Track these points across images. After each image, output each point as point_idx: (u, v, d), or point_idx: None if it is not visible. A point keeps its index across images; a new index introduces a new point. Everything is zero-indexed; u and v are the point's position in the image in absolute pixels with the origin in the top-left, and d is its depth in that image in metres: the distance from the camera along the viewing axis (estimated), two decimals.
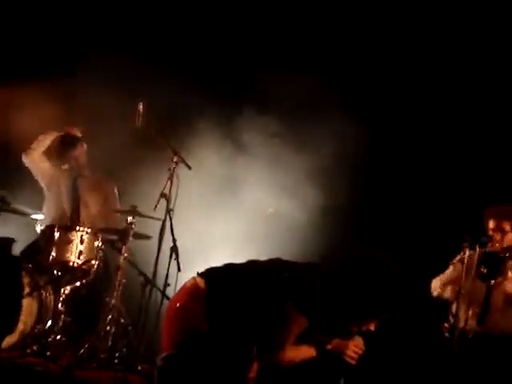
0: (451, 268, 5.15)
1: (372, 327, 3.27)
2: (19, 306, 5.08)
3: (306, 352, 3.27)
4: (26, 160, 6.22)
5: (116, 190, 6.54)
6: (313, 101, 6.43)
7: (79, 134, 6.34)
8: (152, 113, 5.78)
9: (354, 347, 3.34)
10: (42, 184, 6.36)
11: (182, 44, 6.97)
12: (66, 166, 6.41)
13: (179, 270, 5.64)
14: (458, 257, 5.02)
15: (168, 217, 5.65)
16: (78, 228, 5.81)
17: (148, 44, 6.88)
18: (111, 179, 6.64)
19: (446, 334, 4.95)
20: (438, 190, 6.45)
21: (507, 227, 5.00)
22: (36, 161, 6.24)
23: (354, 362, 3.33)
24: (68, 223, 6.10)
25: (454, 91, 6.51)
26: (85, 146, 6.41)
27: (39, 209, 6.26)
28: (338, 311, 3.17)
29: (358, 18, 6.66)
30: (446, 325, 5.01)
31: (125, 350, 5.63)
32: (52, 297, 5.56)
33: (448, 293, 5.14)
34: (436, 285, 5.22)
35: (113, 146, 6.49)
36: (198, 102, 6.74)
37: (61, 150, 6.34)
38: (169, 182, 5.66)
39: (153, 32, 6.94)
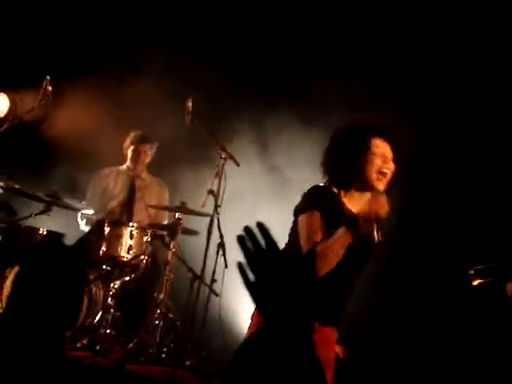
0: None
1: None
2: (80, 300, 5.15)
3: (337, 235, 3.38)
4: None
5: (167, 194, 6.65)
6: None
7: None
8: (200, 108, 5.81)
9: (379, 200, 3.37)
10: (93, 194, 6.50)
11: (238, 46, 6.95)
12: (124, 167, 6.55)
13: (226, 266, 5.67)
14: None
15: (215, 213, 5.69)
16: (127, 223, 5.88)
17: (202, 40, 6.90)
18: (164, 180, 6.73)
19: None
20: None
21: None
22: None
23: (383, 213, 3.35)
24: (119, 219, 6.18)
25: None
26: (155, 146, 6.53)
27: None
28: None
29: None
30: None
31: (172, 345, 5.67)
32: (101, 291, 5.62)
33: None
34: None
35: (162, 142, 6.57)
36: (246, 97, 6.74)
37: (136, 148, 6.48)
38: (216, 179, 5.70)
39: (207, 28, 6.95)
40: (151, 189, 6.59)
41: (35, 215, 5.69)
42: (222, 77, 6.54)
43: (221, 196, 5.75)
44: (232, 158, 5.76)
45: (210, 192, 5.71)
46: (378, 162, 3.53)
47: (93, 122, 6.33)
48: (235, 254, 3.86)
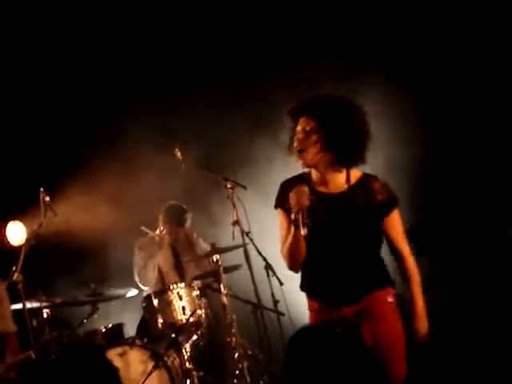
0: None
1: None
2: None
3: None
4: None
5: (195, 235, 6.70)
6: None
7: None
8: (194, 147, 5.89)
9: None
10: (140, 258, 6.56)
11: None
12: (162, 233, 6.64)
13: (281, 283, 5.65)
14: None
15: (248, 239, 5.68)
16: (171, 287, 5.90)
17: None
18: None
19: None
20: None
21: None
22: None
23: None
24: (167, 285, 6.20)
25: None
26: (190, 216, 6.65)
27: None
28: None
29: None
30: None
31: (266, 377, 5.68)
32: (177, 360, 5.65)
33: None
34: None
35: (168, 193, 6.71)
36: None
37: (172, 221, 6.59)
38: (233, 209, 5.70)
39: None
40: (189, 243, 6.66)
41: (87, 319, 5.75)
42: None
43: (246, 222, 5.75)
44: (237, 184, 5.77)
45: (235, 223, 5.71)
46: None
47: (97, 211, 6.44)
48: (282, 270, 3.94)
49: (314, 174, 3.75)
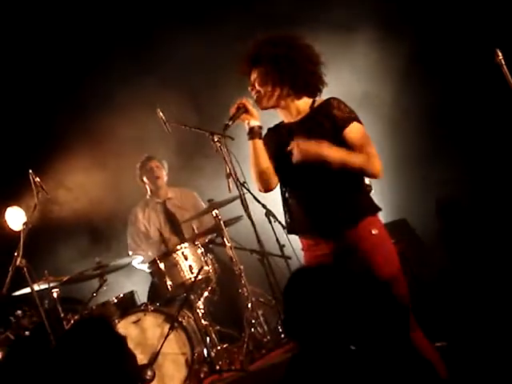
0: None
1: None
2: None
3: None
4: None
5: (198, 198, 6.73)
6: None
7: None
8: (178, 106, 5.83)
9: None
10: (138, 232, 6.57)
11: None
12: (147, 197, 6.64)
13: (284, 227, 5.61)
14: None
15: (245, 190, 5.64)
16: (175, 248, 5.90)
17: None
18: (187, 186, 6.81)
19: None
20: None
21: None
22: None
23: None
24: (168, 248, 6.20)
25: None
26: (164, 162, 6.68)
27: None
28: None
29: None
30: None
31: (280, 322, 5.70)
32: (191, 318, 5.68)
33: None
34: None
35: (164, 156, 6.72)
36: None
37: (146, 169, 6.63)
38: (224, 161, 5.64)
39: None
40: (183, 203, 6.68)
41: (97, 292, 5.76)
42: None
43: (240, 173, 5.71)
44: (225, 137, 5.70)
45: (229, 176, 5.67)
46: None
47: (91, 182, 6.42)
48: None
49: (281, 113, 3.88)
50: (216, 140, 5.63)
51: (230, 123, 3.84)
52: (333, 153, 3.58)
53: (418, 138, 6.48)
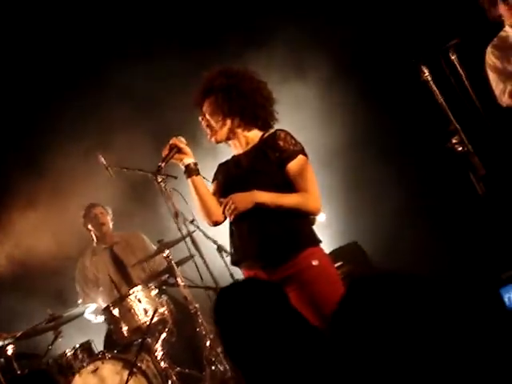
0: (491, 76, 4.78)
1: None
2: None
3: None
4: None
5: (147, 240, 6.67)
6: None
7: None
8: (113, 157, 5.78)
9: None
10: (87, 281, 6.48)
11: None
12: (94, 244, 6.58)
13: None
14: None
15: (193, 228, 5.62)
16: (127, 293, 5.84)
17: None
18: (133, 229, 6.77)
19: None
20: None
21: None
22: None
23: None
24: (120, 293, 6.13)
25: None
26: (108, 208, 6.64)
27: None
28: None
29: None
30: None
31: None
32: (150, 362, 5.61)
33: None
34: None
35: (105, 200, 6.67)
36: None
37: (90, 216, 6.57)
38: (169, 201, 5.62)
39: None
40: (131, 246, 6.62)
41: (52, 345, 5.67)
42: None
43: (187, 211, 5.69)
44: (167, 176, 5.68)
45: (176, 215, 5.65)
46: None
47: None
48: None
49: (232, 145, 3.92)
50: (160, 180, 5.65)
51: (163, 165, 3.94)
52: (266, 198, 3.64)
53: (368, 162, 6.56)
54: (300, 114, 6.33)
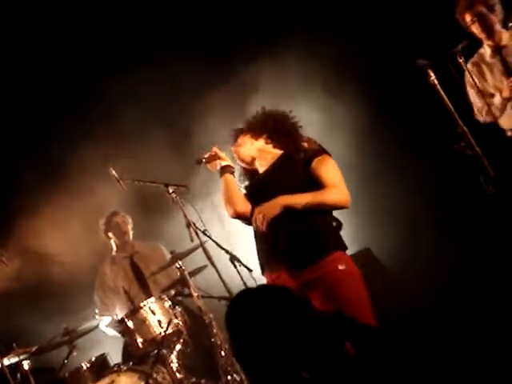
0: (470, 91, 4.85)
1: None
2: None
3: None
4: None
5: (165, 252, 6.65)
6: None
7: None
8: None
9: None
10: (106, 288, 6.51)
11: None
12: (114, 253, 6.59)
13: (250, 270, 5.60)
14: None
15: (205, 238, 5.62)
16: (141, 305, 5.84)
17: None
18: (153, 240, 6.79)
19: None
20: None
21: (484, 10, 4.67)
22: None
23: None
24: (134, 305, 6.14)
25: None
26: (128, 217, 6.67)
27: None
28: None
29: None
30: None
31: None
32: (166, 374, 5.60)
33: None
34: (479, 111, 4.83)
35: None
36: None
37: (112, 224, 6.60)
38: (182, 211, 5.63)
39: None
40: (150, 257, 6.63)
41: (67, 359, 5.67)
42: None
43: (199, 221, 5.69)
44: (179, 186, 5.70)
45: (188, 225, 5.65)
46: None
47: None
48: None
49: (257, 164, 4.14)
50: (171, 191, 5.66)
51: (204, 162, 4.22)
52: (291, 199, 3.75)
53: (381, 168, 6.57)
54: (313, 126, 6.35)
